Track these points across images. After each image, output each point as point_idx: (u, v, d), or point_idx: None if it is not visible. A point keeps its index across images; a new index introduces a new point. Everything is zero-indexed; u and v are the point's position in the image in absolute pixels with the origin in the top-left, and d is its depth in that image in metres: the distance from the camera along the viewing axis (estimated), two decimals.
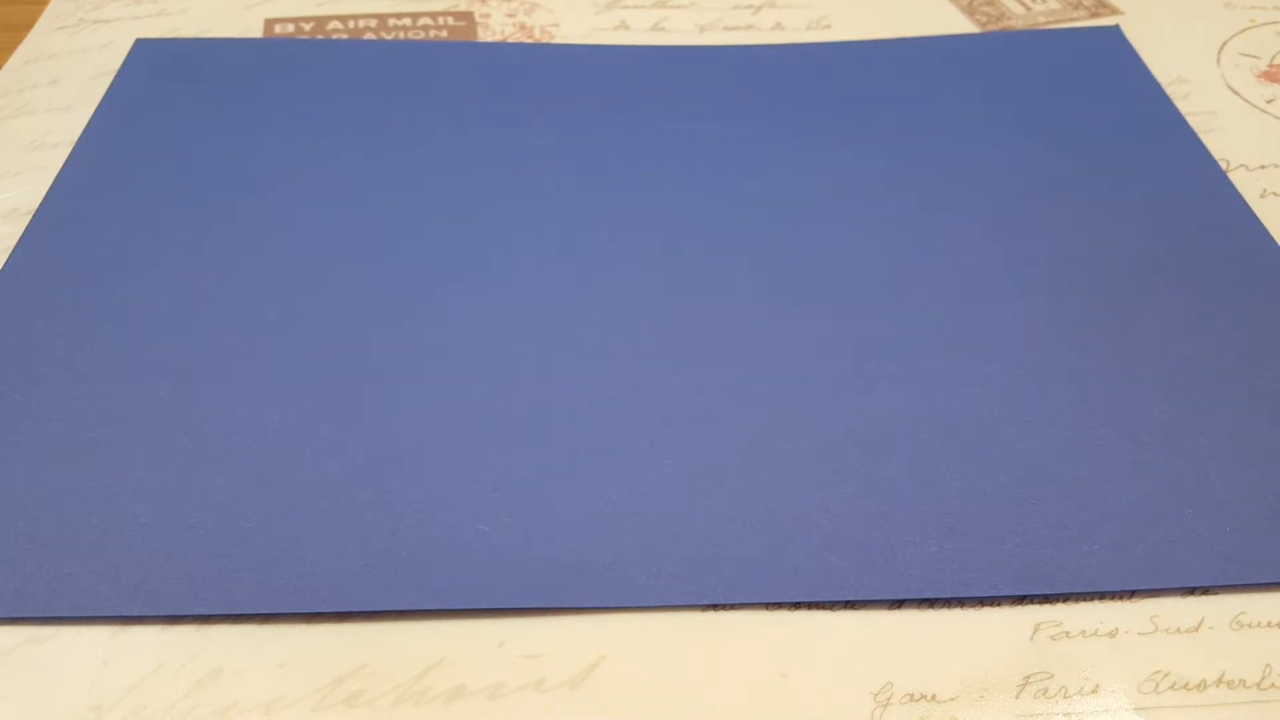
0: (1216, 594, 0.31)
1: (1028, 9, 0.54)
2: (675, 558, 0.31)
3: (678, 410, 0.35)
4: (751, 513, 0.32)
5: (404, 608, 0.30)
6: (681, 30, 0.53)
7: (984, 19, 0.53)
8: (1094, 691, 0.29)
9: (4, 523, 0.31)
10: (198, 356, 0.36)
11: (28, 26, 0.53)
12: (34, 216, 0.41)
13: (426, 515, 0.32)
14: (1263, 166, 0.45)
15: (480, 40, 0.52)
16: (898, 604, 0.30)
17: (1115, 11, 0.54)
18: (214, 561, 0.30)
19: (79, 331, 0.37)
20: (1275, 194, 0.43)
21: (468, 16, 0.54)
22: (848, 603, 0.30)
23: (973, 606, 0.30)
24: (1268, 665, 0.29)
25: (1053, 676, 0.29)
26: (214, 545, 0.31)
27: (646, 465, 0.33)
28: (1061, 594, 0.30)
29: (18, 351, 0.36)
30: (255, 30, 0.52)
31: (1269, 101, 0.49)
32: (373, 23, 0.53)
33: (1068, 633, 0.30)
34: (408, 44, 0.51)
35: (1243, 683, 0.29)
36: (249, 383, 0.35)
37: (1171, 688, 0.29)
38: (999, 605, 0.30)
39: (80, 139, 0.45)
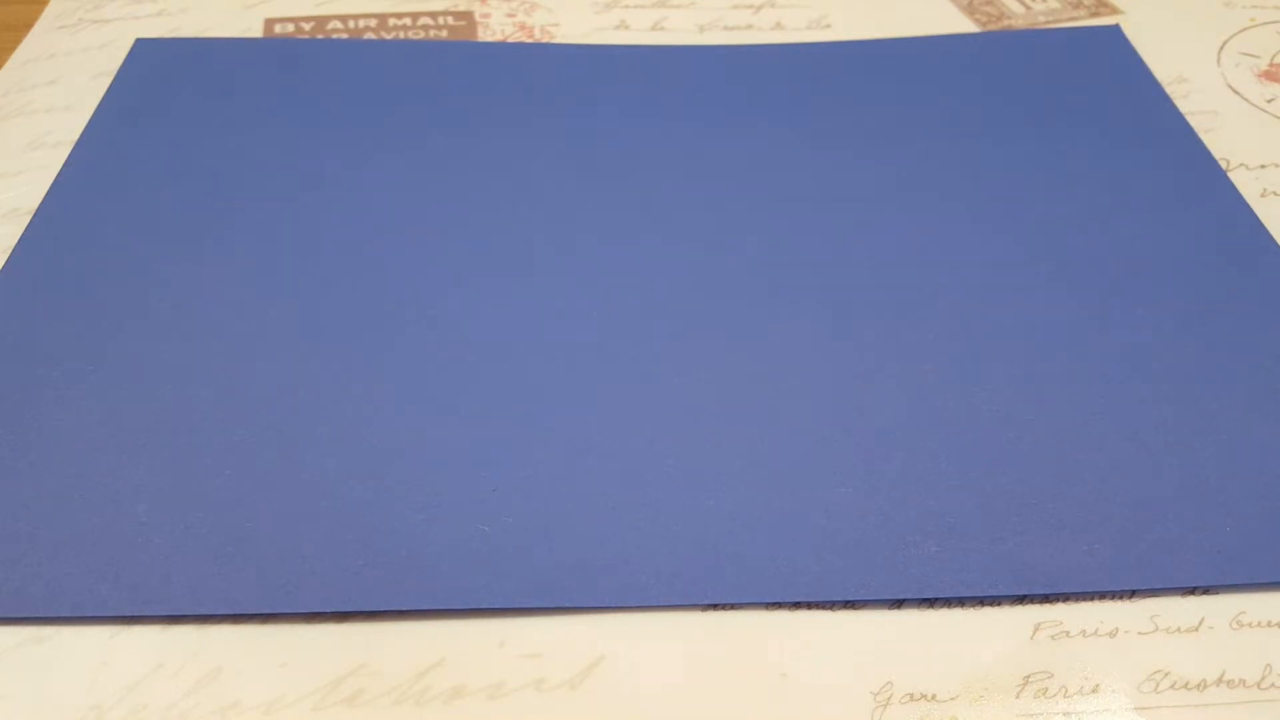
0: (1216, 594, 0.31)
1: (1028, 8, 0.54)
2: (675, 558, 0.31)
3: (678, 410, 0.35)
4: (751, 513, 0.32)
5: (404, 608, 0.30)
6: (681, 30, 0.53)
7: (984, 19, 0.53)
8: (1094, 691, 0.29)
9: (4, 523, 0.31)
10: (198, 356, 0.36)
11: (28, 26, 0.53)
12: (34, 216, 0.41)
13: (426, 515, 0.32)
14: (1263, 166, 0.45)
15: (480, 40, 0.52)
16: (898, 604, 0.30)
17: (1115, 11, 0.54)
18: (214, 561, 0.30)
19: (79, 331, 0.37)
20: (1275, 194, 0.43)
21: (468, 16, 0.54)
22: (848, 603, 0.30)
23: (973, 606, 0.30)
24: (1268, 665, 0.29)
25: (1053, 676, 0.29)
26: (214, 545, 0.31)
27: (646, 465, 0.33)
28: (1061, 594, 0.30)
29: (18, 351, 0.36)
30: (255, 30, 0.52)
31: (1269, 101, 0.49)
32: (373, 23, 0.53)
33: (1068, 632, 0.30)
34: (408, 44, 0.51)
35: (1243, 682, 0.29)
36: (249, 383, 0.35)
37: (1171, 687, 0.29)
38: (999, 605, 0.30)
39: (80, 139, 0.45)
